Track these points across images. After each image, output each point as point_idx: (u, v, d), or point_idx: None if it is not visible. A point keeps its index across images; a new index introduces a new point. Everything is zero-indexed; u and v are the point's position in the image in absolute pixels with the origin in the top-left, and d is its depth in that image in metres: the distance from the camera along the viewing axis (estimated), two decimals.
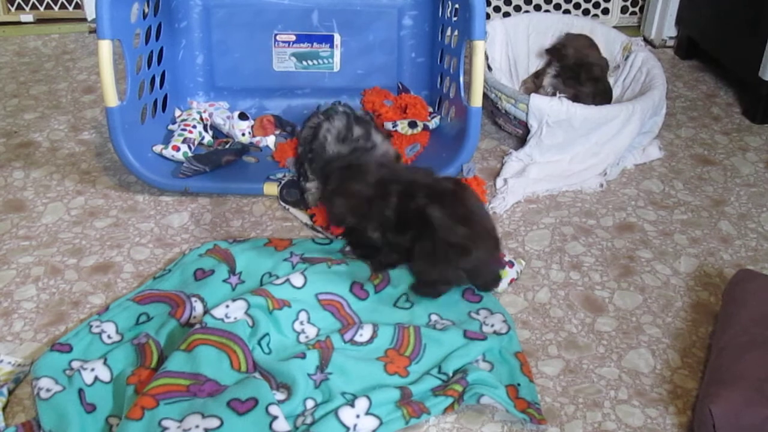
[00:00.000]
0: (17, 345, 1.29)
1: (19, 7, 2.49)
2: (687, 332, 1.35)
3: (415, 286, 1.39)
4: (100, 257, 1.50)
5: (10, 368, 1.22)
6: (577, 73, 1.91)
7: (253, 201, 1.67)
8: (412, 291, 1.39)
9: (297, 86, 1.98)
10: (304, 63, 1.97)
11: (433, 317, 1.35)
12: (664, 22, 2.44)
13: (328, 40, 1.96)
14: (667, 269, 1.50)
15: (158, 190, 1.68)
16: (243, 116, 1.84)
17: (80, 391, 1.15)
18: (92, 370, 1.18)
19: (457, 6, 1.77)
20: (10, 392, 1.19)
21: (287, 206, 1.63)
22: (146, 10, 1.72)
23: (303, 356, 1.19)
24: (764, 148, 1.93)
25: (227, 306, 1.25)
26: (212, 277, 1.38)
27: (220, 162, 1.71)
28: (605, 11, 2.56)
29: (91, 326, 1.28)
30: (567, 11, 2.53)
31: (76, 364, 1.20)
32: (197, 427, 1.06)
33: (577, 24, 2.11)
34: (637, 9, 2.58)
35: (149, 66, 1.76)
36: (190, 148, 1.73)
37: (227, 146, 1.80)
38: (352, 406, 1.12)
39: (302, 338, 1.28)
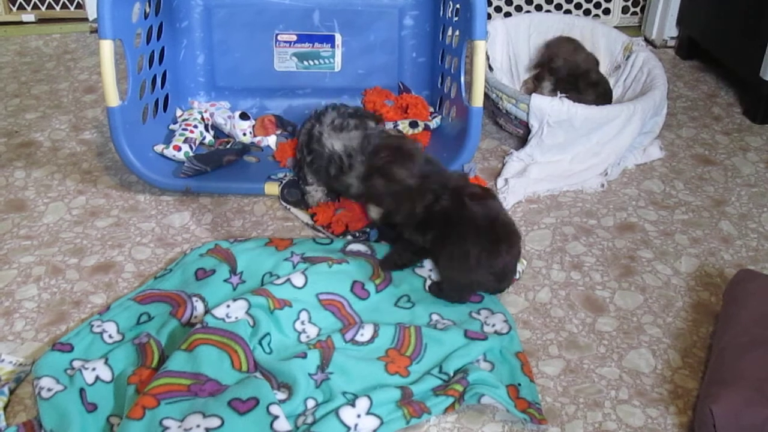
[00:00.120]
0: (18, 344, 1.29)
1: (21, 7, 2.49)
2: (688, 332, 1.35)
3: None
4: (101, 257, 1.50)
5: (12, 368, 1.22)
6: (574, 83, 1.91)
7: (254, 201, 1.67)
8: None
9: (298, 86, 1.99)
10: (305, 63, 1.97)
11: (434, 317, 1.35)
12: (665, 22, 2.44)
13: (329, 40, 1.96)
14: (667, 269, 1.50)
15: (159, 189, 1.69)
16: (244, 116, 1.84)
17: (81, 390, 1.15)
18: (93, 369, 1.18)
19: (458, 6, 1.77)
20: (12, 392, 1.19)
21: (288, 206, 1.63)
22: (147, 10, 1.73)
23: (304, 356, 1.20)
24: (765, 148, 1.93)
25: (228, 306, 1.25)
26: (213, 277, 1.38)
27: (221, 162, 1.72)
28: (606, 11, 2.56)
29: (92, 326, 1.29)
30: (568, 11, 2.53)
31: (77, 364, 1.20)
32: (198, 426, 1.06)
33: (578, 24, 2.11)
34: (638, 9, 2.58)
35: (150, 66, 1.76)
36: (191, 147, 1.73)
37: (228, 146, 1.80)
38: (353, 405, 1.12)
39: (303, 338, 1.28)
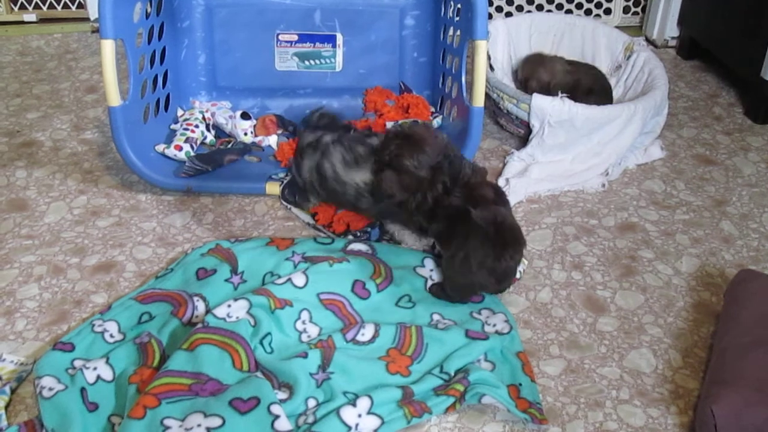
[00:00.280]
0: (20, 344, 1.29)
1: (22, 7, 2.49)
2: (688, 332, 1.35)
3: (439, 291, 1.39)
4: (103, 256, 1.50)
5: (13, 367, 1.22)
6: (572, 96, 1.90)
7: (255, 200, 1.67)
8: (435, 295, 1.39)
9: (299, 86, 1.99)
10: (307, 63, 1.97)
11: (435, 317, 1.35)
12: (666, 22, 2.44)
13: (331, 39, 1.96)
14: (668, 269, 1.50)
15: (160, 189, 1.69)
16: (245, 116, 1.84)
17: (82, 390, 1.15)
18: (94, 369, 1.18)
19: (459, 6, 1.77)
20: (13, 391, 1.19)
21: (289, 205, 1.63)
22: (149, 10, 1.73)
23: (305, 355, 1.20)
24: (766, 148, 1.93)
25: (229, 305, 1.25)
26: (214, 277, 1.38)
27: (223, 161, 1.72)
28: (607, 11, 2.56)
29: (93, 325, 1.29)
30: (569, 11, 2.52)
31: (78, 363, 1.20)
32: (199, 426, 1.06)
33: (579, 24, 2.11)
34: (639, 9, 2.58)
35: (152, 65, 1.76)
36: (192, 147, 1.73)
37: (229, 146, 1.80)
38: (354, 405, 1.13)
39: (304, 338, 1.28)
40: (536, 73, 1.94)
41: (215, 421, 1.06)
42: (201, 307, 1.31)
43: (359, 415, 1.12)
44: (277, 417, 1.08)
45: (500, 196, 1.39)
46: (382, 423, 1.12)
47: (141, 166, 1.64)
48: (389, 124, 1.80)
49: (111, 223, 1.60)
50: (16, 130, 1.93)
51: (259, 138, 1.83)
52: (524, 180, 1.72)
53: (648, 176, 1.80)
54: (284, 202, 1.64)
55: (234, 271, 1.41)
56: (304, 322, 1.30)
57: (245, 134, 1.82)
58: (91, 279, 1.44)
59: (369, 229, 1.54)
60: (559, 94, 1.77)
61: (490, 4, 2.49)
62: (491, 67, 2.00)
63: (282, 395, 1.14)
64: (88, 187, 1.71)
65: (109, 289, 1.41)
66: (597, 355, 1.29)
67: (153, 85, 1.77)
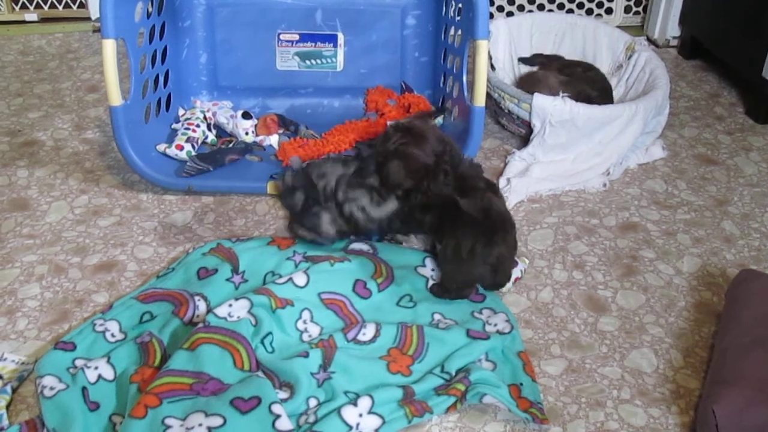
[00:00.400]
0: (21, 343, 1.29)
1: (24, 6, 2.49)
2: (690, 332, 1.35)
3: (439, 290, 1.39)
4: (104, 256, 1.50)
5: (14, 366, 1.22)
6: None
7: (256, 200, 1.67)
8: (435, 294, 1.39)
9: (300, 85, 1.99)
10: (308, 62, 1.97)
11: (436, 316, 1.35)
12: (668, 21, 2.44)
13: (332, 39, 1.96)
14: (670, 269, 1.50)
15: (162, 188, 1.69)
16: (246, 115, 1.84)
17: (84, 389, 1.15)
18: (96, 368, 1.18)
19: (460, 5, 1.77)
20: (14, 390, 1.19)
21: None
22: (150, 10, 1.73)
23: (306, 355, 1.20)
24: (767, 148, 1.93)
25: (230, 305, 1.25)
26: (215, 276, 1.38)
27: (224, 161, 1.72)
28: (609, 11, 2.55)
29: (94, 325, 1.29)
30: (570, 11, 2.52)
31: (79, 363, 1.21)
32: (200, 425, 1.06)
33: (580, 23, 2.11)
34: (640, 9, 2.58)
35: (153, 65, 1.76)
36: (193, 147, 1.73)
37: (231, 145, 1.80)
38: (355, 405, 1.13)
39: (305, 337, 1.28)
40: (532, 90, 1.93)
41: (216, 421, 1.07)
42: (202, 306, 1.31)
43: (360, 415, 1.12)
44: (278, 416, 1.08)
45: (491, 187, 1.41)
46: (383, 422, 1.12)
47: (142, 165, 1.64)
48: (390, 124, 1.79)
49: (112, 222, 1.60)
50: (18, 130, 1.94)
51: (261, 137, 1.83)
52: (525, 179, 1.72)
53: (649, 176, 1.80)
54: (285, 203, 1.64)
55: (235, 270, 1.41)
56: (305, 322, 1.30)
57: (246, 134, 1.82)
58: (92, 278, 1.44)
59: None
60: (560, 94, 1.77)
61: (492, 3, 2.49)
62: (492, 67, 2.00)
63: (283, 395, 1.14)
64: (90, 186, 1.71)
65: (110, 289, 1.41)
66: (598, 355, 1.29)
67: (154, 84, 1.77)
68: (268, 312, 1.27)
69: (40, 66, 2.26)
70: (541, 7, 2.52)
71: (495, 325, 1.32)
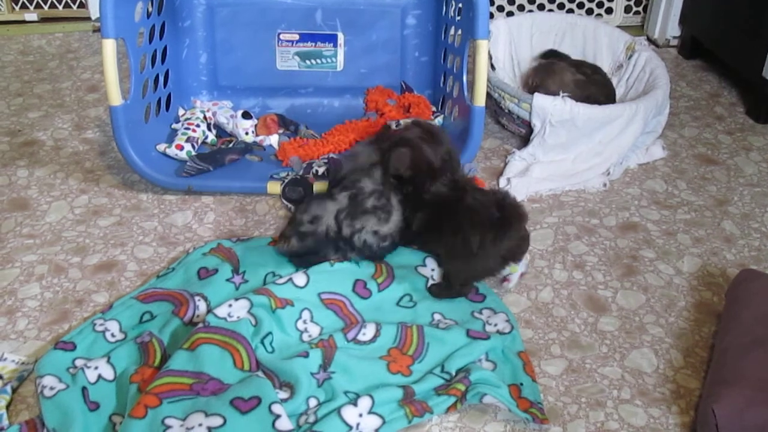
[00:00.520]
0: (21, 343, 1.29)
1: (24, 6, 2.49)
2: (690, 332, 1.35)
3: (439, 291, 1.39)
4: (104, 256, 1.50)
5: (14, 366, 1.22)
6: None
7: (257, 200, 1.67)
8: (434, 295, 1.39)
9: (300, 85, 1.99)
10: (308, 62, 1.97)
11: (437, 316, 1.35)
12: (668, 21, 2.44)
13: (332, 39, 1.96)
14: (670, 269, 1.50)
15: (162, 188, 1.69)
16: (246, 115, 1.84)
17: (84, 389, 1.15)
18: (96, 368, 1.18)
19: (460, 5, 1.77)
20: (14, 390, 1.19)
21: (290, 204, 1.63)
22: (150, 9, 1.73)
23: (306, 355, 1.20)
24: (767, 148, 1.93)
25: (230, 305, 1.25)
26: (215, 276, 1.38)
27: (224, 161, 1.72)
28: (609, 11, 2.55)
29: (94, 324, 1.29)
30: (570, 11, 2.52)
31: (79, 363, 1.21)
32: (200, 425, 1.06)
33: (581, 23, 2.11)
34: (640, 8, 2.58)
35: (153, 65, 1.76)
36: (193, 146, 1.73)
37: (231, 145, 1.80)
38: (355, 405, 1.13)
39: (305, 337, 1.28)
40: (545, 83, 1.93)
41: (216, 421, 1.07)
42: (202, 306, 1.31)
43: (360, 415, 1.12)
44: (278, 416, 1.08)
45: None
46: (383, 422, 1.12)
47: (142, 165, 1.64)
48: (391, 124, 1.79)
49: (112, 222, 1.60)
50: (18, 130, 1.93)
51: (261, 137, 1.83)
52: (525, 179, 1.72)
53: (649, 176, 1.80)
54: (285, 201, 1.64)
55: (235, 270, 1.41)
56: (305, 322, 1.30)
57: (246, 134, 1.82)
58: (92, 278, 1.44)
59: None
60: (561, 94, 1.77)
61: (492, 3, 2.49)
62: (492, 67, 2.00)
63: (283, 395, 1.14)
64: (90, 186, 1.71)
65: (110, 289, 1.41)
66: (598, 355, 1.29)
67: (154, 84, 1.77)
68: (268, 312, 1.27)
69: (40, 66, 2.26)
70: (541, 7, 2.52)
71: (495, 325, 1.32)
